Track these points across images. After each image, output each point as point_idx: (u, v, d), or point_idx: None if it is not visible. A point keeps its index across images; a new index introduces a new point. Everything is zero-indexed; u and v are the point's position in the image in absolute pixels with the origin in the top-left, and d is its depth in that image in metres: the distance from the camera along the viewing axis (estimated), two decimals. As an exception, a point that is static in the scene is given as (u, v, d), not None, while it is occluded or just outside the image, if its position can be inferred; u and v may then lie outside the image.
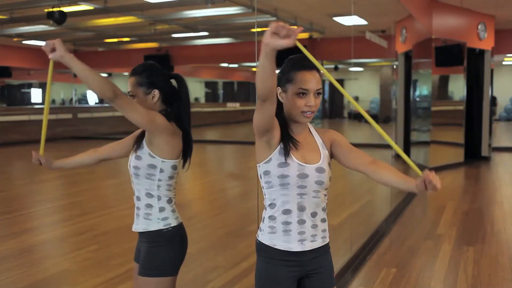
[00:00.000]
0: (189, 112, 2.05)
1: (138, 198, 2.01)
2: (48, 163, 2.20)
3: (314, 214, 1.72)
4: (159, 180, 1.98)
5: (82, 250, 4.36)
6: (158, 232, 1.98)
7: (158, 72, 2.03)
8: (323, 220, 1.77)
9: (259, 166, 1.73)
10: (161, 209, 1.99)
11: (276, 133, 1.67)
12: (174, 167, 2.00)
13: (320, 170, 1.71)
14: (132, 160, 2.00)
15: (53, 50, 1.75)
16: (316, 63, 1.58)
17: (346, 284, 3.55)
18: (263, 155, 1.70)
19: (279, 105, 1.74)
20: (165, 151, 1.95)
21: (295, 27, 1.35)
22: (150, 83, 1.99)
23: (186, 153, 2.06)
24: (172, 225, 2.00)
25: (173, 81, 2.08)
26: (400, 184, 1.62)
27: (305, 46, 1.50)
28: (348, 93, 1.58)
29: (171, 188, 2.03)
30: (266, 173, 1.70)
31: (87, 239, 4.71)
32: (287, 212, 1.70)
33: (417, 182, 1.50)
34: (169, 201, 2.02)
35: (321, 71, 1.73)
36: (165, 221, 1.99)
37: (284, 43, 1.34)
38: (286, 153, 1.67)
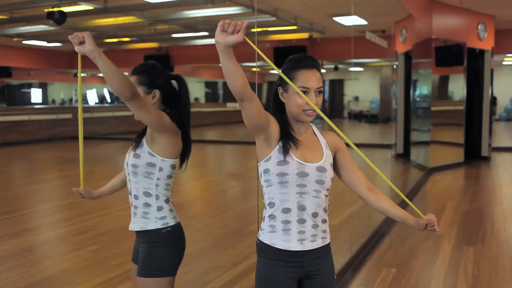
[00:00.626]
0: (189, 113, 2.06)
1: (136, 197, 2.01)
2: (88, 194, 2.28)
3: (315, 215, 1.72)
4: (158, 179, 1.98)
5: (82, 250, 4.36)
6: (156, 231, 1.98)
7: (159, 72, 2.03)
8: (324, 221, 1.76)
9: (260, 164, 1.73)
10: (159, 208, 1.99)
11: (274, 131, 1.67)
12: (173, 167, 2.01)
13: (321, 169, 1.71)
14: (130, 158, 2.00)
15: (82, 43, 1.71)
16: (265, 58, 1.59)
17: (346, 284, 3.55)
18: (264, 153, 1.70)
19: (281, 105, 1.75)
20: (166, 150, 1.96)
21: (243, 22, 1.38)
22: (151, 83, 2.00)
23: (184, 154, 2.07)
24: (170, 225, 2.00)
25: (174, 82, 2.09)
26: (397, 217, 1.82)
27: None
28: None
29: (169, 187, 2.03)
30: (266, 171, 1.70)
31: (87, 239, 4.71)
32: (286, 210, 1.70)
33: (420, 222, 1.72)
34: (167, 200, 2.02)
35: (321, 71, 1.74)
36: (163, 220, 1.99)
37: (234, 38, 1.38)
38: (285, 151, 1.67)
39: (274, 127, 1.67)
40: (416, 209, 1.69)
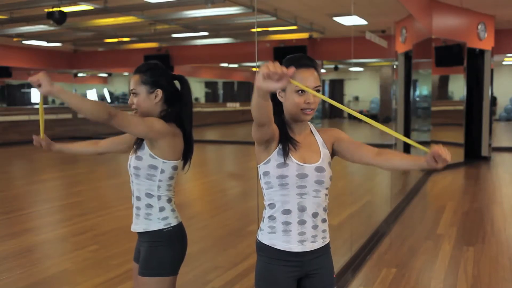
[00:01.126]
0: (191, 114, 2.05)
1: (138, 198, 2.01)
2: (48, 145, 2.26)
3: (315, 215, 1.72)
4: (160, 180, 1.98)
5: (82, 250, 4.36)
6: (159, 232, 1.98)
7: (162, 72, 2.03)
8: (323, 221, 1.77)
9: (259, 167, 1.73)
10: (161, 209, 1.99)
11: (275, 137, 1.67)
12: (175, 168, 2.00)
13: (319, 169, 1.71)
14: (132, 160, 2.00)
15: (39, 85, 1.74)
16: (315, 93, 1.57)
17: (346, 284, 3.55)
18: (263, 156, 1.71)
19: (279, 104, 1.75)
20: (166, 152, 1.96)
21: (288, 69, 1.31)
22: (154, 82, 2.00)
23: (186, 155, 2.06)
24: (172, 225, 2.00)
25: (176, 82, 2.09)
26: (411, 165, 1.68)
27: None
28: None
29: (170, 188, 2.03)
30: (266, 173, 1.71)
31: (87, 239, 4.71)
32: (287, 212, 1.70)
33: (427, 158, 1.51)
34: (169, 200, 2.02)
35: (320, 72, 1.73)
36: (165, 221, 1.99)
37: (278, 86, 1.31)
38: (285, 154, 1.67)
39: (276, 134, 1.68)
40: (420, 146, 1.50)
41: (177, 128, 1.99)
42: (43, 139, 2.25)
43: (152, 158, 1.95)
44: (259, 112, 1.46)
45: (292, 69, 1.32)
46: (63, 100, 1.75)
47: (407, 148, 9.67)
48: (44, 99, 2.09)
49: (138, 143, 2.00)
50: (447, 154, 1.47)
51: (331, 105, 24.81)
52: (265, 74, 1.30)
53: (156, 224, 1.98)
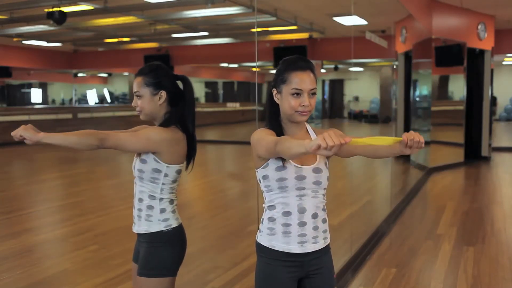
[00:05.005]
0: (194, 114, 2.04)
1: (140, 200, 2.01)
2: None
3: (315, 216, 1.73)
4: (163, 184, 1.97)
5: (82, 250, 4.36)
6: (159, 233, 1.98)
7: (165, 73, 2.02)
8: (324, 221, 1.77)
9: (258, 171, 1.74)
10: (162, 210, 1.99)
11: None
12: (179, 172, 2.00)
13: (317, 170, 1.72)
14: (136, 163, 1.99)
15: (24, 139, 1.75)
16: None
17: (346, 284, 3.55)
18: (261, 161, 1.71)
19: (276, 105, 1.75)
20: (170, 157, 1.95)
21: (344, 139, 1.29)
22: (157, 83, 1.98)
23: (189, 156, 2.06)
24: (172, 226, 2.00)
25: (179, 83, 2.08)
26: (389, 152, 1.69)
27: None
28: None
29: (173, 190, 2.03)
30: (265, 177, 1.71)
31: (87, 239, 4.71)
32: (287, 214, 1.70)
33: (400, 147, 1.55)
34: (171, 202, 2.02)
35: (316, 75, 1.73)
36: (165, 222, 1.99)
37: (330, 153, 1.32)
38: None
39: None
40: (393, 138, 1.54)
41: (179, 131, 1.97)
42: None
43: (156, 162, 1.94)
44: (287, 156, 1.49)
45: (349, 139, 1.31)
46: (53, 144, 1.78)
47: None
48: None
49: None
50: (419, 137, 1.50)
51: (331, 105, 24.87)
52: (322, 148, 1.28)
53: (156, 226, 1.98)
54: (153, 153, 1.94)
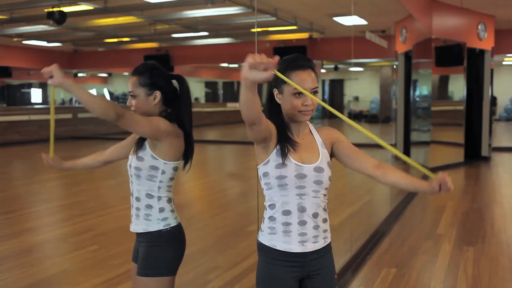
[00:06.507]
0: (191, 113, 2.04)
1: (138, 199, 2.01)
2: (58, 164, 2.30)
3: (315, 215, 1.72)
4: (160, 181, 1.98)
5: (82, 250, 4.36)
6: (158, 232, 1.98)
7: (160, 73, 2.02)
8: (324, 220, 1.76)
9: (259, 168, 1.73)
10: (161, 210, 1.99)
11: (274, 137, 1.67)
12: (175, 169, 2.00)
13: (318, 169, 1.71)
14: (133, 161, 2.00)
15: (51, 76, 1.74)
16: (295, 85, 1.54)
17: (346, 284, 3.55)
18: (262, 157, 1.70)
19: (277, 105, 1.74)
20: (168, 153, 1.95)
21: (273, 58, 1.30)
22: (152, 84, 1.98)
23: (187, 154, 2.06)
24: (171, 225, 2.00)
25: (175, 82, 2.08)
26: (409, 186, 1.67)
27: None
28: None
29: (170, 189, 2.03)
30: (265, 174, 1.71)
31: (87, 239, 4.71)
32: (287, 213, 1.70)
33: (432, 184, 1.56)
34: (169, 201, 2.02)
35: (316, 72, 1.73)
36: (164, 222, 1.99)
37: (263, 76, 1.30)
38: (283, 154, 1.67)
39: (274, 134, 1.67)
40: (423, 169, 1.54)
41: (178, 128, 1.98)
42: (52, 158, 2.26)
43: (153, 159, 1.95)
44: (247, 108, 1.44)
45: (276, 57, 1.32)
46: (74, 95, 1.75)
47: (407, 148, 9.69)
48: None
49: (139, 143, 1.99)
50: (451, 184, 1.54)
51: (330, 105, 24.81)
52: (251, 64, 1.30)
53: (155, 225, 1.98)
54: (151, 147, 1.94)
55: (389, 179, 1.71)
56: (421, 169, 1.55)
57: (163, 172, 1.96)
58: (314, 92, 1.69)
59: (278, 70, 1.73)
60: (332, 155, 1.80)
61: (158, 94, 1.99)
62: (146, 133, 1.89)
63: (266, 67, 1.29)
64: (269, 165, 1.69)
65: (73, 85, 1.73)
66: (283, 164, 1.67)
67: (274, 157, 1.68)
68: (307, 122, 1.79)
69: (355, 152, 1.78)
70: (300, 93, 1.65)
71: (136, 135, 2.07)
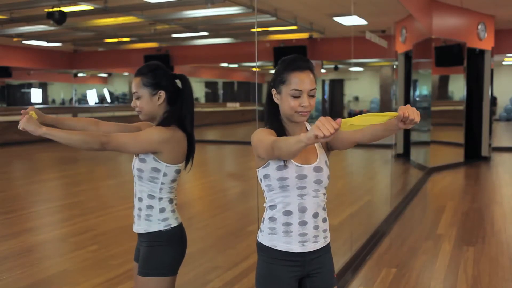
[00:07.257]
0: (193, 112, 2.04)
1: (140, 199, 2.01)
2: (40, 117, 2.04)
3: (316, 215, 1.73)
4: (162, 183, 1.97)
5: (82, 250, 4.36)
6: (158, 232, 1.98)
7: (163, 72, 2.02)
8: (324, 220, 1.77)
9: (258, 171, 1.74)
10: (162, 210, 1.99)
11: None
12: (178, 171, 2.00)
13: (318, 169, 1.72)
14: (136, 162, 2.00)
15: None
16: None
17: (346, 284, 3.55)
18: (261, 161, 1.71)
19: (275, 107, 1.75)
20: (169, 157, 1.95)
21: (335, 123, 1.30)
22: (156, 84, 1.98)
23: (188, 155, 2.06)
24: (172, 226, 2.00)
25: (178, 82, 2.08)
26: (385, 131, 1.62)
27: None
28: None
29: (173, 190, 2.03)
30: (266, 176, 1.71)
31: (87, 239, 4.71)
32: (287, 213, 1.70)
33: (395, 122, 1.52)
34: (170, 201, 2.02)
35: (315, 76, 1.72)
36: (165, 222, 1.99)
37: (326, 140, 1.33)
38: None
39: None
40: (390, 113, 1.51)
41: (179, 130, 1.97)
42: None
43: (155, 161, 1.94)
44: (287, 156, 1.51)
45: (339, 121, 1.32)
46: (54, 139, 1.78)
47: (407, 148, 9.69)
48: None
49: None
50: (415, 114, 1.48)
51: (331, 105, 24.86)
52: (319, 137, 1.30)
53: (156, 225, 1.98)
54: (153, 153, 1.94)
55: (367, 134, 1.67)
56: (389, 114, 1.50)
57: (165, 174, 1.96)
58: (312, 94, 1.69)
59: (277, 70, 1.73)
60: (329, 149, 1.81)
61: (162, 94, 1.99)
62: (138, 151, 1.92)
63: (330, 136, 1.31)
64: (269, 167, 1.69)
65: (49, 132, 1.77)
66: (284, 166, 1.67)
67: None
68: (305, 122, 1.80)
69: (343, 135, 1.75)
70: (297, 94, 1.66)
71: (143, 126, 2.08)
